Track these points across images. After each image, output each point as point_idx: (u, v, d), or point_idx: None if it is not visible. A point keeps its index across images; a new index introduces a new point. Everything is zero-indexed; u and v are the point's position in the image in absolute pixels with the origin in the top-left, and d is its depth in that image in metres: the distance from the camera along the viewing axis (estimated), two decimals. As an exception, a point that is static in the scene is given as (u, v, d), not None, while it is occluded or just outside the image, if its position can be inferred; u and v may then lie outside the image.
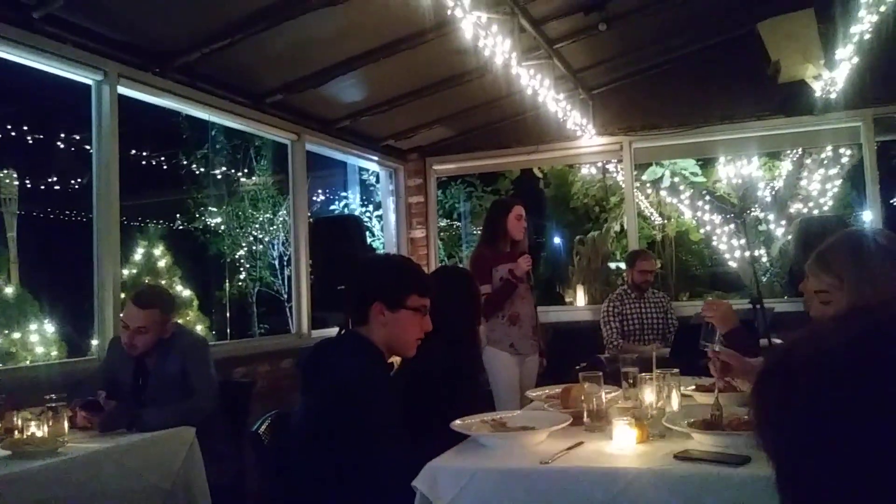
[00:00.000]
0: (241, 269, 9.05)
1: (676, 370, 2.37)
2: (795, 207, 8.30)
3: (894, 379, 0.51)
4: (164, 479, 2.66)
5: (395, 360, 2.53)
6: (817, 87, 5.11)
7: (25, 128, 7.90)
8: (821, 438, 0.53)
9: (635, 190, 6.49)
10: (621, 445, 1.96)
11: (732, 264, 8.59)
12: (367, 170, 7.67)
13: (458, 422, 2.18)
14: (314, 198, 8.74)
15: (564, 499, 1.78)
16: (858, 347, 0.53)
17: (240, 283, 9.01)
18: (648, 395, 2.21)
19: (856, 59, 4.69)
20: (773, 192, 8.56)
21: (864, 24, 4.38)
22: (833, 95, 5.13)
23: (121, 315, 3.12)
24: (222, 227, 9.12)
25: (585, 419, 2.19)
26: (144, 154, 8.73)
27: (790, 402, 0.56)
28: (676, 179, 8.37)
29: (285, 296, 8.36)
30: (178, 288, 7.55)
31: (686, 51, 5.69)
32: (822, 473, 0.53)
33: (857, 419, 0.51)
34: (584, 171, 8.71)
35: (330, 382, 2.03)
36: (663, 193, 8.60)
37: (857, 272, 1.75)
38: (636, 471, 1.78)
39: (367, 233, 6.90)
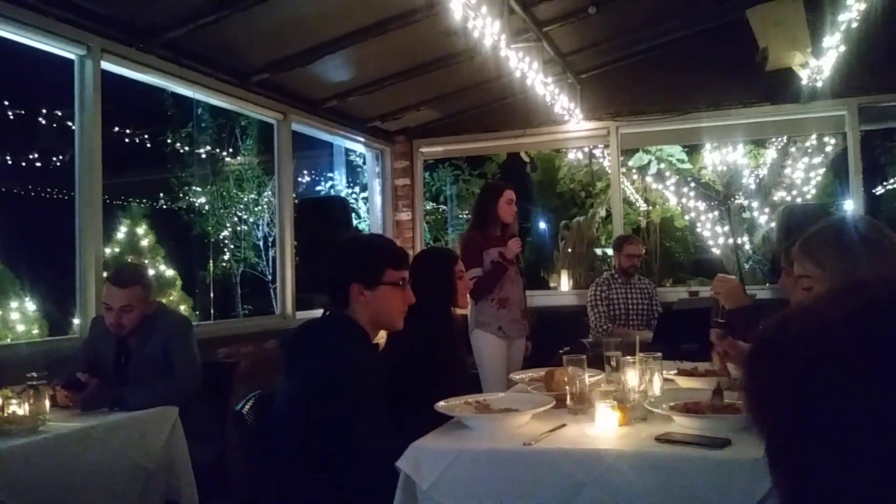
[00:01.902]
0: (226, 249, 9.00)
1: (659, 354, 2.38)
2: (779, 195, 8.36)
3: (894, 353, 0.50)
4: (146, 458, 2.66)
5: (381, 339, 2.52)
6: (804, 76, 5.12)
7: (6, 103, 7.77)
8: (816, 415, 0.52)
9: (621, 176, 6.51)
10: (603, 427, 1.97)
11: (716, 251, 8.65)
12: (354, 151, 7.63)
13: (441, 403, 2.19)
14: (300, 178, 8.69)
15: (547, 480, 1.80)
16: (857, 321, 0.52)
17: (224, 264, 8.96)
18: (631, 378, 2.23)
19: (843, 48, 4.70)
20: (758, 180, 8.61)
21: (851, 11, 4.39)
22: (819, 84, 5.15)
23: (103, 299, 3.09)
24: (206, 207, 9.05)
25: (568, 402, 2.21)
26: (128, 131, 8.64)
27: (784, 376, 0.54)
28: (662, 166, 8.39)
29: (269, 277, 8.33)
30: (162, 268, 7.49)
31: (675, 36, 5.69)
32: (816, 453, 0.51)
33: (854, 395, 0.50)
34: (571, 156, 8.71)
35: (316, 365, 2.02)
36: (649, 179, 8.63)
37: (839, 260, 1.77)
38: (618, 452, 1.80)
39: (353, 215, 6.86)
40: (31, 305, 6.34)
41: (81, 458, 2.43)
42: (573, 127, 6.00)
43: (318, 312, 4.64)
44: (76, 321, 3.70)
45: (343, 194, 8.15)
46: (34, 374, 2.57)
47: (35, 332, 6.24)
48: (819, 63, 4.93)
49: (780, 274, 2.71)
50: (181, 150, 8.88)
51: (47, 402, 2.56)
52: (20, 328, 6.17)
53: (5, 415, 2.44)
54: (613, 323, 5.01)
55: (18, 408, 2.46)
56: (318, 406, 1.93)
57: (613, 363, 2.37)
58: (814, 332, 0.54)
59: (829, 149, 7.98)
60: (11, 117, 7.94)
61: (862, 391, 0.50)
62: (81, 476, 2.42)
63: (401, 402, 2.17)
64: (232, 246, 9.02)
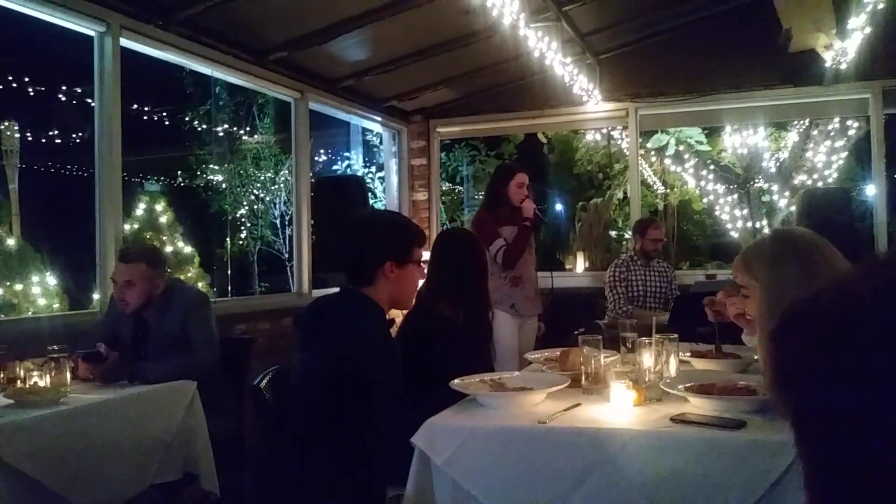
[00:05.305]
0: (243, 227, 9.06)
1: (675, 335, 2.38)
2: (800, 179, 8.26)
3: None
4: (165, 432, 2.70)
5: (396, 317, 2.54)
6: (828, 58, 5.04)
7: (27, 79, 7.82)
8: (844, 390, 0.50)
9: (639, 157, 6.46)
10: (618, 407, 1.97)
11: (734, 234, 8.58)
12: (371, 130, 7.62)
13: (456, 381, 2.20)
14: (316, 157, 8.71)
15: (560, 458, 1.80)
16: (889, 296, 0.50)
17: (241, 242, 9.03)
18: (647, 359, 2.23)
19: (868, 29, 4.61)
20: (778, 163, 8.52)
21: (878, -8, 4.29)
22: (843, 66, 5.06)
23: (111, 274, 3.14)
24: (224, 185, 9.10)
25: (583, 381, 2.21)
26: (146, 109, 8.68)
27: (813, 350, 0.53)
28: (681, 147, 8.32)
29: (286, 255, 8.38)
30: (180, 244, 7.54)
31: (695, 17, 5.60)
32: (843, 429, 0.50)
33: (884, 370, 0.48)
34: (589, 137, 8.65)
35: (337, 343, 2.03)
36: (667, 161, 8.56)
37: (771, 277, 1.80)
38: (632, 432, 1.80)
39: (370, 194, 6.87)
40: (51, 280, 6.42)
41: (101, 429, 2.47)
42: (591, 108, 5.95)
43: (335, 290, 4.66)
44: (96, 296, 3.75)
45: (359, 174, 8.16)
46: (55, 347, 2.62)
47: (56, 306, 6.32)
48: (844, 45, 4.83)
49: None
50: (199, 129, 8.92)
51: (68, 374, 2.61)
52: (41, 302, 6.26)
53: (27, 386, 2.48)
54: (632, 304, 5.00)
55: (40, 379, 2.51)
56: (341, 383, 1.95)
57: (629, 344, 2.37)
58: (844, 306, 0.52)
59: (851, 132, 7.86)
60: (31, 93, 7.99)
61: (892, 366, 0.48)
62: (101, 447, 2.46)
63: (427, 379, 2.20)
64: (249, 224, 9.07)
